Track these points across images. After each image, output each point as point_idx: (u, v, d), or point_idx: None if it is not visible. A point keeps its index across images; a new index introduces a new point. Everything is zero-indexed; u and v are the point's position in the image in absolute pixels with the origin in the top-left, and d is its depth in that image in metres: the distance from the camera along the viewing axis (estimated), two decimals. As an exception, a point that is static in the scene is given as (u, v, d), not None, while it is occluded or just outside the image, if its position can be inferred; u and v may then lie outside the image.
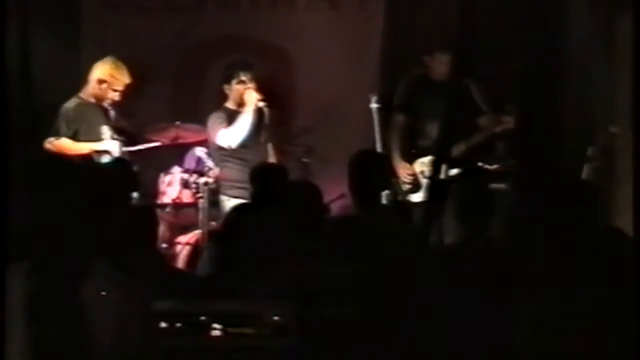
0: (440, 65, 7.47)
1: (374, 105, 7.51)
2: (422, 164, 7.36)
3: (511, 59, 7.84)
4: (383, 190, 5.76)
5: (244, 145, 7.61)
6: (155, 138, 7.77)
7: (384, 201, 5.73)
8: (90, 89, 7.59)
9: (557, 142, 7.72)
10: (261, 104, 7.63)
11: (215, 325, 4.43)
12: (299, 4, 8.69)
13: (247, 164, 7.34)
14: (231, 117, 7.66)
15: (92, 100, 7.58)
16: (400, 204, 6.96)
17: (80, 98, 7.59)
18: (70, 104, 7.56)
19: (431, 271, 4.85)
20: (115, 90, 7.57)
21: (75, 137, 7.46)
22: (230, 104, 7.77)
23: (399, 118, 7.59)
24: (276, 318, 4.47)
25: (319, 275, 4.73)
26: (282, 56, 8.70)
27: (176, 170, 7.75)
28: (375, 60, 8.60)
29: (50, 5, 7.80)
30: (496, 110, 7.36)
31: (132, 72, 7.64)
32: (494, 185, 6.15)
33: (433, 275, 4.85)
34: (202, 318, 4.45)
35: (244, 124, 7.58)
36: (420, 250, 5.00)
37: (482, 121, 7.45)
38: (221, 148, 7.63)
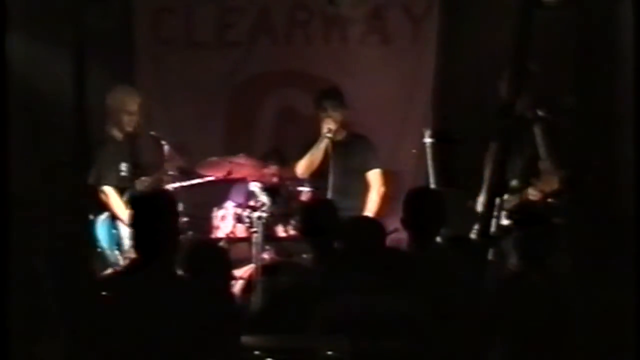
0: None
1: (427, 140, 7.34)
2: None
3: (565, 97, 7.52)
4: (439, 226, 5.69)
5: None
6: (207, 172, 7.75)
7: (439, 237, 5.67)
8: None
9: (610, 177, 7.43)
10: (329, 135, 7.56)
11: (269, 360, 4.42)
12: (352, 39, 8.70)
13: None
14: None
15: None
16: (456, 240, 6.80)
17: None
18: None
19: (488, 305, 4.83)
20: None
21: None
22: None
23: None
24: (330, 352, 4.45)
25: (373, 310, 4.71)
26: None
27: (229, 205, 7.76)
28: (428, 94, 8.58)
29: (105, 39, 7.85)
30: (554, 157, 6.62)
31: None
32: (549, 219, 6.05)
33: (489, 309, 4.82)
34: (256, 352, 4.43)
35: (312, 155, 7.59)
36: (477, 285, 4.96)
37: (542, 165, 6.64)
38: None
